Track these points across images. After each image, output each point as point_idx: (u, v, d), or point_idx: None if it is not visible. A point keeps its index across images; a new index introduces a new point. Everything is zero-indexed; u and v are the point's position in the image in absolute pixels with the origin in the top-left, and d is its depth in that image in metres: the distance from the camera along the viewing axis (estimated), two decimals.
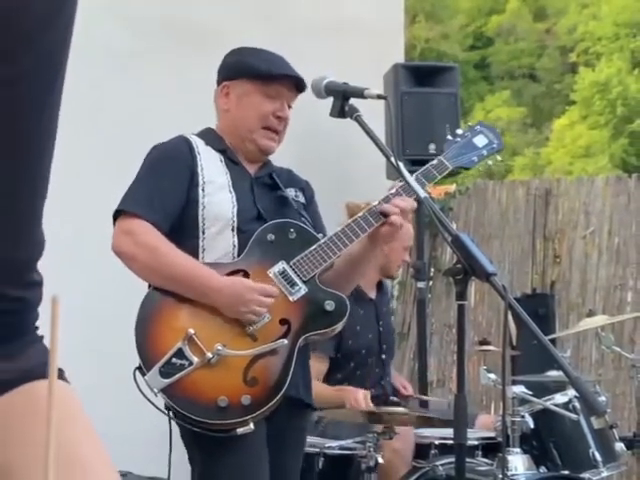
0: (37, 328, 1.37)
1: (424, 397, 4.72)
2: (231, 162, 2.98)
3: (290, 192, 3.05)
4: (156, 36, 4.82)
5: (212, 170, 2.92)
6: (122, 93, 4.66)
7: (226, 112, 3.03)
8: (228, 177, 2.93)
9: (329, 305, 2.84)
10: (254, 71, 2.97)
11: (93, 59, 4.36)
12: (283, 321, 2.80)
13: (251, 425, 2.67)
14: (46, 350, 1.34)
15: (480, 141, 3.09)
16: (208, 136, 3.02)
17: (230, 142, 3.01)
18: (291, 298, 2.83)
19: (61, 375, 1.36)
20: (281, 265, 2.86)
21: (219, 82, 3.06)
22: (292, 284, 2.85)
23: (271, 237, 2.88)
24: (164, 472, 2.84)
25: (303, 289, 2.85)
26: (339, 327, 2.89)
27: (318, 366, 3.90)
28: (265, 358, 2.74)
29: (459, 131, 3.12)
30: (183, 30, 4.89)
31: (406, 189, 2.91)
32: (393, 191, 2.92)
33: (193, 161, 2.90)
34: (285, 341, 2.75)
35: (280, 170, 3.11)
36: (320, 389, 3.84)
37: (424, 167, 2.99)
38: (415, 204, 2.94)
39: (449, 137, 3.08)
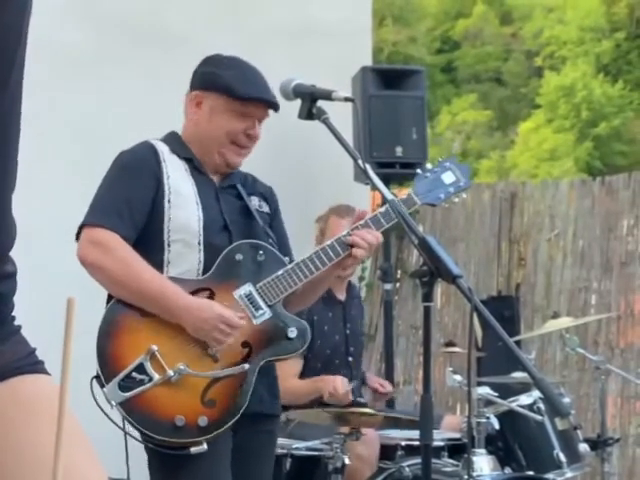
0: (14, 318, 1.36)
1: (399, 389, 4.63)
2: (196, 171, 2.94)
3: (254, 201, 3.03)
4: (123, 39, 4.81)
5: (178, 179, 2.89)
6: (88, 96, 4.64)
7: (195, 122, 2.98)
8: (194, 187, 2.89)
9: (292, 332, 2.84)
10: (230, 90, 2.91)
11: (59, 61, 4.34)
12: (245, 344, 2.80)
13: (204, 445, 2.67)
14: (26, 342, 1.33)
15: (448, 178, 3.09)
16: (173, 143, 2.97)
17: (195, 151, 2.97)
18: (255, 321, 2.83)
19: (42, 367, 1.35)
20: (247, 287, 2.85)
21: (192, 89, 3.01)
22: (257, 307, 2.84)
23: (239, 257, 2.86)
24: (124, 473, 2.84)
25: (267, 313, 2.84)
26: (298, 354, 2.91)
27: (293, 365, 3.92)
28: (224, 380, 2.74)
29: (429, 166, 3.12)
30: (150, 33, 4.87)
31: (375, 222, 2.92)
32: (362, 222, 2.92)
33: (159, 169, 2.87)
34: (246, 366, 2.75)
35: (244, 177, 3.08)
36: (297, 385, 3.86)
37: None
38: (381, 238, 2.95)
39: (419, 171, 3.10)
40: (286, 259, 2.95)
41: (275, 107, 2.98)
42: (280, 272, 2.86)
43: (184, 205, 2.85)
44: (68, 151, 4.57)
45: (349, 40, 5.73)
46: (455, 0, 28.51)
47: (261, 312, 2.84)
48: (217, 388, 2.72)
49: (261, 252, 2.89)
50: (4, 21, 1.16)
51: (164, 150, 2.93)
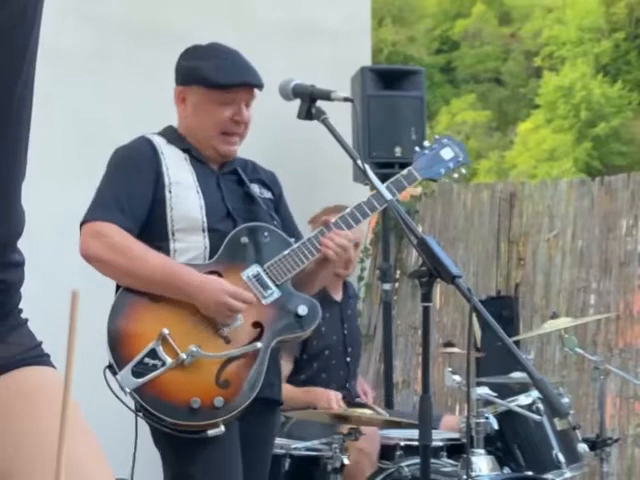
0: (21, 311, 1.35)
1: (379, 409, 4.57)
2: (195, 160, 2.96)
3: (254, 188, 3.04)
4: (123, 39, 4.81)
5: (177, 170, 2.90)
6: (88, 96, 4.64)
7: (184, 117, 3.01)
8: (194, 176, 2.91)
9: (302, 309, 2.86)
10: (208, 82, 2.92)
11: (59, 61, 4.34)
12: (256, 324, 2.81)
13: (222, 427, 2.67)
14: (32, 335, 1.33)
15: (447, 154, 3.13)
16: (171, 135, 3.00)
17: (192, 143, 2.99)
18: (264, 301, 2.84)
19: (48, 360, 1.35)
20: (255, 268, 2.87)
21: (176, 83, 3.04)
22: (265, 287, 2.85)
23: (245, 240, 2.88)
24: (127, 473, 2.83)
25: (276, 293, 2.86)
26: (310, 331, 2.91)
27: (284, 367, 3.91)
28: (238, 360, 2.75)
29: (426, 143, 3.14)
30: (150, 33, 4.87)
31: (345, 221, 2.93)
32: (348, 211, 2.95)
33: (157, 162, 2.89)
34: (258, 344, 2.75)
35: (245, 163, 3.09)
36: (287, 390, 3.84)
37: (395, 177, 3.00)
38: (351, 236, 2.94)
39: (417, 149, 3.12)
40: (292, 240, 2.95)
41: (258, 86, 2.98)
42: (287, 252, 2.88)
43: (185, 194, 2.87)
44: (69, 149, 4.57)
45: (348, 40, 5.73)
46: (454, 0, 28.51)
47: (270, 292, 2.85)
48: (231, 369, 2.73)
49: (266, 234, 2.91)
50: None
51: (161, 142, 2.95)
